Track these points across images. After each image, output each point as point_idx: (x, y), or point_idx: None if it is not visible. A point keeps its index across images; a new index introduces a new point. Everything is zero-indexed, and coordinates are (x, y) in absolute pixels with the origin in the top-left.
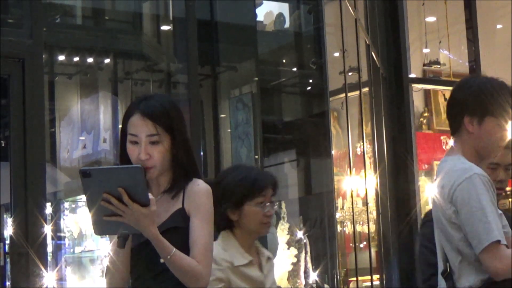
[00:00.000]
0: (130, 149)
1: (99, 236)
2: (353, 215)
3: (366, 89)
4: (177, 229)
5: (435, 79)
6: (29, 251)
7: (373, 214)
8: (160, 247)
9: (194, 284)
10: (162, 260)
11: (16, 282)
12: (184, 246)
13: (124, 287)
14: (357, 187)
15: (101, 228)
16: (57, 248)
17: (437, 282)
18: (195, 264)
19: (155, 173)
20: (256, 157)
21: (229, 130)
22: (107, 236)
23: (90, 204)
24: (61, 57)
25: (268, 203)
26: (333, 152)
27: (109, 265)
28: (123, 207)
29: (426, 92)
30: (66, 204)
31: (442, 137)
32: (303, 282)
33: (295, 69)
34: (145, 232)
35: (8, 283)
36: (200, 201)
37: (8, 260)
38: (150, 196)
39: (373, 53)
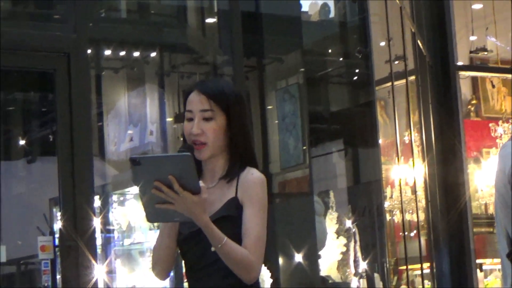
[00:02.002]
0: (185, 126)
1: (148, 228)
2: (401, 203)
3: (412, 78)
4: (230, 218)
5: (483, 66)
6: (78, 244)
7: (422, 203)
8: (211, 235)
9: (245, 274)
10: (213, 249)
11: (67, 274)
12: (236, 236)
13: (169, 272)
14: (406, 175)
15: (153, 216)
16: (106, 241)
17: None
18: (246, 254)
19: (207, 153)
20: (304, 148)
21: (276, 121)
22: (159, 223)
23: (141, 192)
24: (107, 52)
25: None
26: (381, 141)
27: (154, 252)
28: (174, 195)
29: (474, 80)
30: (115, 197)
31: (490, 124)
32: (353, 271)
33: (341, 59)
34: (197, 219)
35: (58, 276)
36: (254, 191)
37: (58, 253)
38: (201, 183)
39: (419, 41)
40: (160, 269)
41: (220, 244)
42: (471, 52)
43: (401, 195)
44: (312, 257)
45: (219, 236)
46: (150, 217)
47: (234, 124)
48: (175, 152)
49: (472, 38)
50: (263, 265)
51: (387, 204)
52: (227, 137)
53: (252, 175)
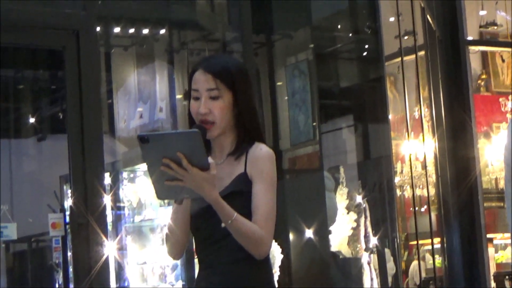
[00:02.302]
0: (192, 105)
1: (158, 205)
2: (412, 179)
3: (422, 53)
4: (240, 194)
5: (492, 41)
6: (89, 221)
7: (432, 178)
8: (221, 211)
9: (256, 249)
10: (223, 225)
11: (78, 251)
12: (246, 211)
13: (182, 252)
14: (416, 151)
15: (162, 193)
16: (117, 218)
17: None
18: (257, 229)
19: (216, 131)
20: (314, 124)
21: (286, 98)
22: (168, 200)
23: (150, 169)
24: (117, 29)
25: None
26: (391, 116)
27: (168, 233)
28: (183, 172)
29: (483, 54)
30: (125, 174)
31: (500, 99)
32: (364, 247)
33: (350, 34)
34: (206, 196)
35: (69, 253)
36: (263, 166)
37: (69, 230)
38: (210, 160)
39: (428, 16)
40: (175, 250)
41: (230, 220)
42: (480, 26)
43: (411, 170)
44: (323, 233)
45: (229, 212)
46: (160, 194)
47: (240, 101)
48: (183, 129)
49: (482, 12)
50: (273, 241)
51: (397, 180)
52: (235, 114)
53: (261, 150)
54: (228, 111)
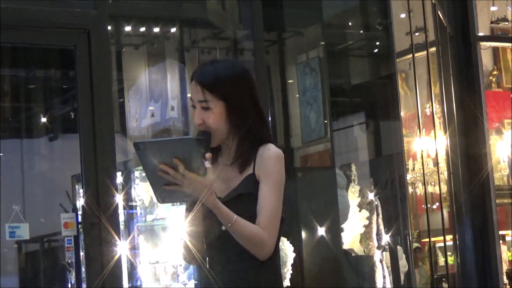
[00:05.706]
0: (191, 113)
1: (170, 204)
2: (423, 176)
3: (433, 49)
4: (249, 195)
5: (503, 37)
6: (101, 221)
7: (444, 175)
8: (221, 215)
9: (257, 251)
10: (223, 228)
11: (90, 251)
12: (256, 212)
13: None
14: (427, 147)
15: (163, 197)
16: (129, 217)
17: None
18: (258, 231)
19: (214, 141)
20: (325, 121)
21: (297, 95)
22: (171, 204)
23: (148, 175)
24: (128, 28)
25: None
26: (402, 113)
27: (186, 251)
28: (180, 177)
29: (495, 50)
30: (137, 173)
31: None
32: (376, 244)
33: (361, 31)
34: (204, 200)
35: (82, 253)
36: (269, 166)
37: (81, 230)
38: (207, 164)
39: (439, 12)
40: (193, 259)
41: (230, 223)
42: (491, 22)
43: (423, 167)
44: (335, 231)
45: (229, 215)
46: (161, 199)
47: (232, 110)
48: (178, 136)
49: (493, 8)
50: (285, 239)
51: (409, 177)
52: (231, 121)
53: (269, 151)
54: (220, 120)
